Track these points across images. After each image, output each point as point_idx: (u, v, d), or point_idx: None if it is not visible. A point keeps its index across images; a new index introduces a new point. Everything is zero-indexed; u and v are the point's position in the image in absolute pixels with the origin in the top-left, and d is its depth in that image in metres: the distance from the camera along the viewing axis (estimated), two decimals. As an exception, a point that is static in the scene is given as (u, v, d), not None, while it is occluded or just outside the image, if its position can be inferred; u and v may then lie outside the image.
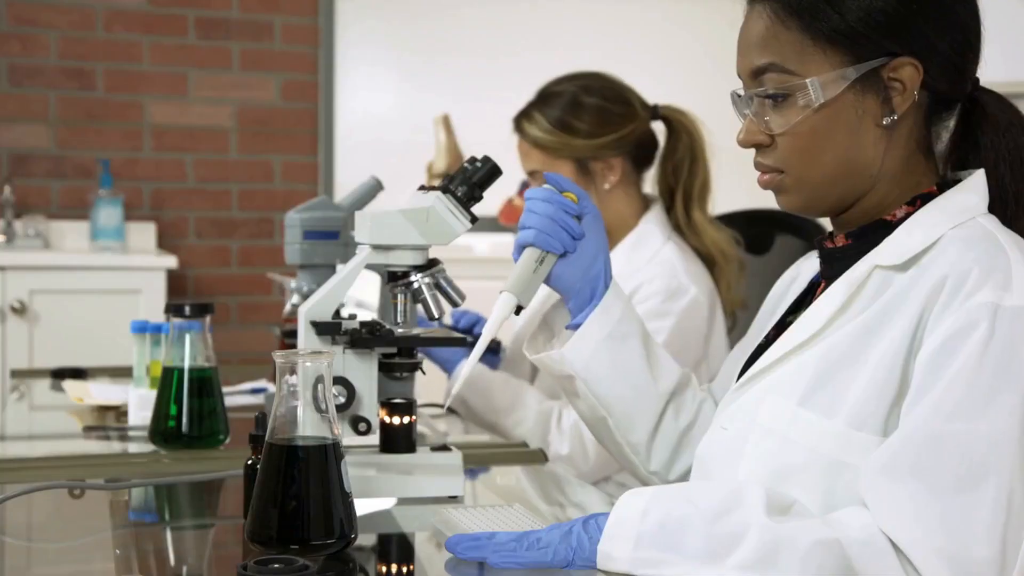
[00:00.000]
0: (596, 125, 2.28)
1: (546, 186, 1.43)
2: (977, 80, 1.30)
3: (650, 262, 2.24)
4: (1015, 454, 1.10)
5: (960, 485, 1.10)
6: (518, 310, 1.39)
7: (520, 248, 1.41)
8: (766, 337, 1.39)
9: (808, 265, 1.44)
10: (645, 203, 2.36)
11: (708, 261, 2.30)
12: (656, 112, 2.33)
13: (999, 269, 1.15)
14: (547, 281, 1.41)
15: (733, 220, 2.51)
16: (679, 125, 2.30)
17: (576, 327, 1.43)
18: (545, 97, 2.32)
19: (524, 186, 3.21)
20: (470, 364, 1.35)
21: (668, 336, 2.12)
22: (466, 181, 1.47)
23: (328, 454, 1.20)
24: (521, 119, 2.35)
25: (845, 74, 1.22)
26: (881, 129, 1.25)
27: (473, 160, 1.48)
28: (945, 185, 1.29)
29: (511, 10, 4.57)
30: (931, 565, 1.09)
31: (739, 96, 1.31)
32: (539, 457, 1.79)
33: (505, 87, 4.05)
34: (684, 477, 1.48)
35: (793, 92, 1.24)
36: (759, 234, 2.62)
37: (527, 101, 2.36)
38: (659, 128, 2.36)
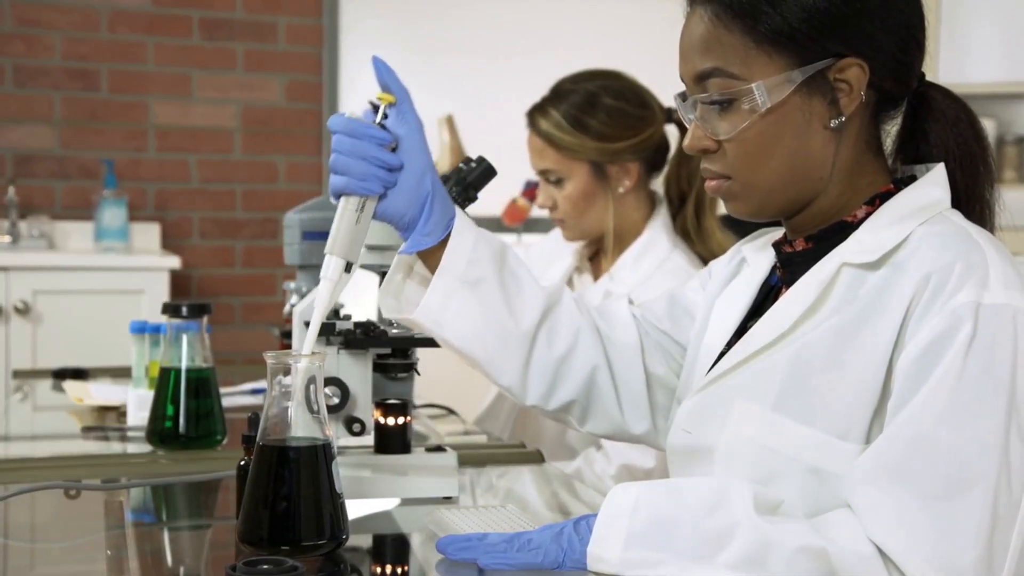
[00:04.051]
0: (614, 127, 2.25)
1: (348, 114, 1.28)
2: (923, 75, 1.29)
3: (660, 270, 2.22)
4: (1001, 458, 1.09)
5: (948, 491, 1.09)
6: (348, 267, 1.27)
7: (336, 195, 1.28)
8: (727, 343, 1.35)
9: (754, 256, 1.40)
10: (652, 204, 2.35)
11: None
12: (671, 115, 2.32)
13: (978, 266, 1.14)
14: (373, 218, 1.30)
15: (737, 220, 2.49)
16: None
17: (410, 253, 1.34)
18: (562, 93, 2.28)
19: (528, 186, 3.21)
20: (308, 343, 1.22)
21: None
22: (460, 182, 1.46)
23: (319, 455, 1.20)
24: (535, 113, 2.31)
25: (791, 77, 1.20)
26: (829, 131, 1.23)
27: (468, 160, 1.48)
28: (902, 182, 1.27)
29: (514, 11, 4.56)
30: (921, 572, 1.08)
31: (683, 100, 1.28)
32: (535, 457, 1.79)
33: (509, 88, 4.05)
34: (567, 408, 1.43)
35: (738, 97, 1.21)
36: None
37: (542, 95, 2.33)
38: (670, 131, 2.35)
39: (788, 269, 1.31)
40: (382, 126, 1.28)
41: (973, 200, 1.27)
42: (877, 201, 1.26)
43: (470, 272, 1.33)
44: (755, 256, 1.40)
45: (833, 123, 1.23)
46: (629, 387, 1.44)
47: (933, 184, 1.25)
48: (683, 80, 1.28)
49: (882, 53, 1.22)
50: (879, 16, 1.22)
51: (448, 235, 1.33)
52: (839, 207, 1.27)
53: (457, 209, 1.35)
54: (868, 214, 1.25)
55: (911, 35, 1.24)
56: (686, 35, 1.27)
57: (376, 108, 1.30)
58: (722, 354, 1.33)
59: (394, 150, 1.28)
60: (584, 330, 1.42)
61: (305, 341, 1.23)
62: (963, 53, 4.18)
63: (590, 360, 1.42)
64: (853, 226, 1.25)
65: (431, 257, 1.34)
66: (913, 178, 1.28)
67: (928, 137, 1.28)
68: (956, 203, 1.26)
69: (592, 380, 1.42)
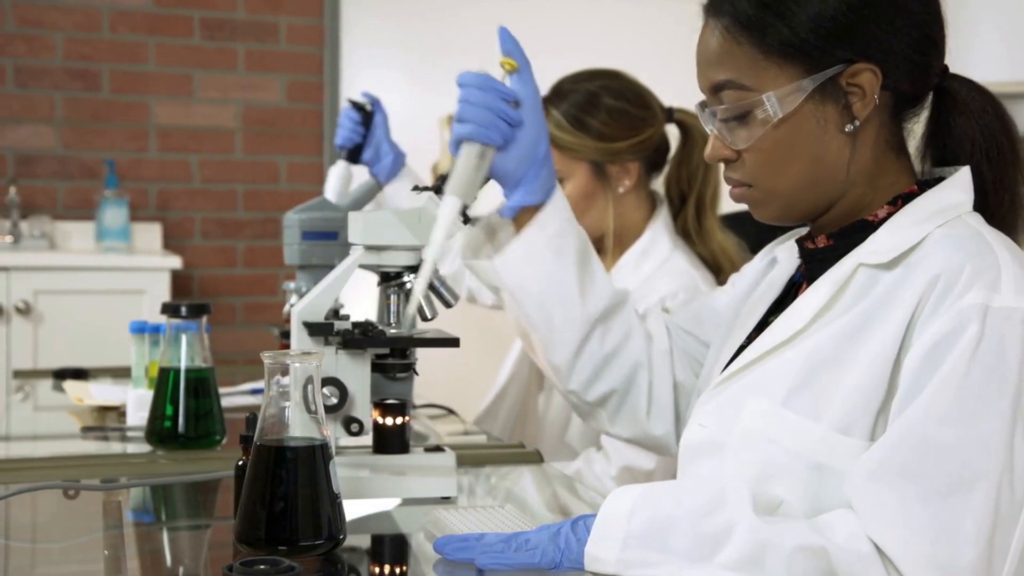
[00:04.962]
0: (614, 127, 2.23)
1: (479, 70, 1.39)
2: (945, 68, 1.28)
3: (662, 271, 2.21)
4: (1004, 458, 1.09)
5: (949, 491, 1.09)
6: (464, 211, 1.34)
7: (458, 143, 1.37)
8: (747, 338, 1.37)
9: (784, 256, 1.42)
10: (653, 205, 2.34)
11: (714, 268, 2.28)
12: (671, 115, 2.31)
13: (988, 269, 1.14)
14: (489, 174, 1.38)
15: (738, 219, 2.49)
16: (696, 131, 2.26)
17: (511, 212, 1.42)
18: (563, 93, 2.27)
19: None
20: (423, 279, 1.30)
21: None
22: (459, 181, 1.46)
23: (316, 455, 1.20)
24: None
25: (802, 86, 1.21)
26: (845, 135, 1.23)
27: (466, 161, 1.48)
28: (927, 184, 1.28)
29: (515, 11, 4.56)
30: (918, 572, 1.08)
31: (702, 110, 1.30)
32: (534, 458, 1.78)
33: (510, 87, 4.05)
34: (604, 400, 1.48)
35: (752, 108, 1.23)
36: (763, 233, 2.60)
37: (542, 95, 2.32)
38: (671, 131, 2.34)
39: (809, 266, 1.33)
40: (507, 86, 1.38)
41: (1002, 191, 1.27)
42: (900, 202, 1.26)
43: (558, 240, 1.42)
44: (785, 255, 1.42)
45: (848, 128, 1.23)
46: (659, 392, 1.49)
47: (956, 187, 1.25)
48: (701, 90, 1.29)
49: (894, 56, 1.22)
50: (888, 20, 1.21)
51: (546, 203, 1.43)
52: (861, 207, 1.27)
53: (557, 183, 1.44)
54: (890, 214, 1.26)
55: (925, 34, 1.24)
56: (700, 47, 1.28)
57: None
58: (742, 349, 1.35)
59: (516, 110, 1.38)
60: (635, 330, 1.48)
61: (418, 280, 1.30)
62: (966, 53, 4.17)
63: (635, 357, 1.48)
64: (874, 225, 1.26)
65: (521, 222, 1.43)
66: (940, 180, 1.28)
67: (952, 130, 1.28)
68: (984, 196, 1.26)
69: (633, 377, 1.48)
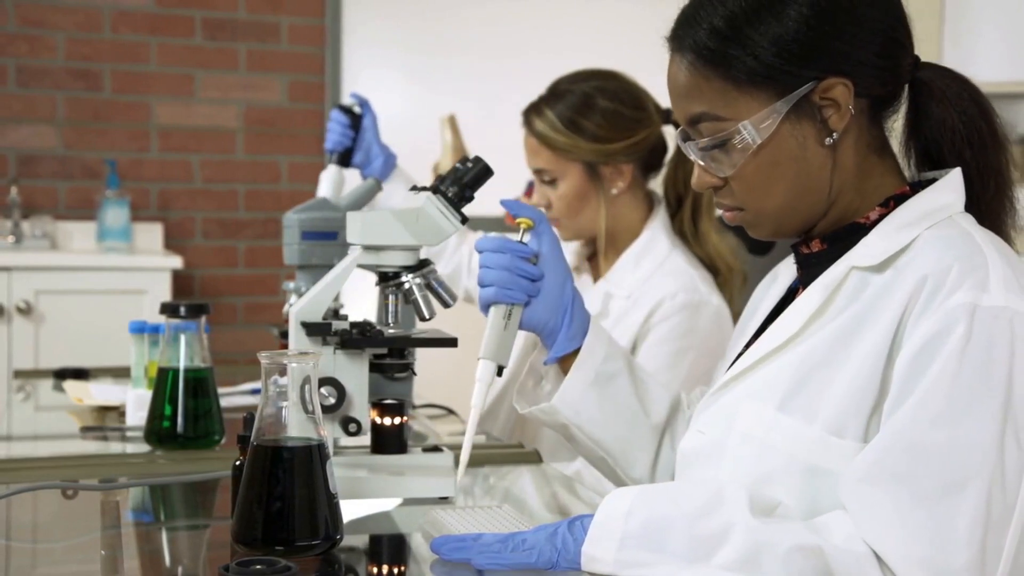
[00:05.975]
0: (608, 129, 2.23)
1: (494, 234, 1.44)
2: (916, 60, 1.28)
3: (661, 271, 2.21)
4: (995, 459, 1.09)
5: (941, 493, 1.09)
6: (500, 371, 1.39)
7: (485, 306, 1.41)
8: (746, 344, 1.38)
9: (786, 270, 1.43)
10: (650, 205, 2.33)
11: (711, 271, 2.28)
12: (668, 116, 2.30)
13: (977, 268, 1.14)
14: (520, 327, 1.42)
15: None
16: None
17: (555, 360, 1.44)
18: (558, 94, 2.26)
19: (531, 186, 3.20)
20: (468, 441, 1.33)
21: (696, 353, 2.10)
22: (457, 181, 1.47)
23: (313, 455, 1.20)
24: (530, 113, 2.29)
25: (776, 109, 1.21)
26: (826, 149, 1.24)
27: (464, 160, 1.49)
28: (919, 185, 1.28)
29: (518, 10, 4.56)
30: (913, 575, 1.08)
31: (684, 140, 1.30)
32: (533, 458, 1.78)
33: (512, 88, 4.05)
34: None
35: (730, 138, 1.23)
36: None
37: (539, 95, 2.33)
38: (668, 132, 2.33)
39: (805, 270, 1.33)
40: (523, 244, 1.42)
41: (987, 176, 1.27)
42: (892, 203, 1.26)
43: (606, 365, 1.44)
44: (786, 267, 1.43)
45: (828, 141, 1.23)
46: None
47: (946, 188, 1.25)
48: (679, 121, 1.30)
49: (862, 65, 1.22)
50: (849, 32, 1.21)
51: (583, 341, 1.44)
52: (852, 211, 1.28)
53: (591, 314, 1.47)
54: (882, 216, 1.26)
55: (889, 37, 1.24)
56: (671, 80, 1.29)
57: None
58: (740, 356, 1.35)
59: (535, 265, 1.41)
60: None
61: (467, 436, 1.33)
62: (967, 53, 4.18)
63: None
64: (866, 228, 1.26)
65: (566, 362, 1.45)
66: (933, 183, 1.28)
67: (931, 119, 1.27)
68: (969, 183, 1.26)
69: None
